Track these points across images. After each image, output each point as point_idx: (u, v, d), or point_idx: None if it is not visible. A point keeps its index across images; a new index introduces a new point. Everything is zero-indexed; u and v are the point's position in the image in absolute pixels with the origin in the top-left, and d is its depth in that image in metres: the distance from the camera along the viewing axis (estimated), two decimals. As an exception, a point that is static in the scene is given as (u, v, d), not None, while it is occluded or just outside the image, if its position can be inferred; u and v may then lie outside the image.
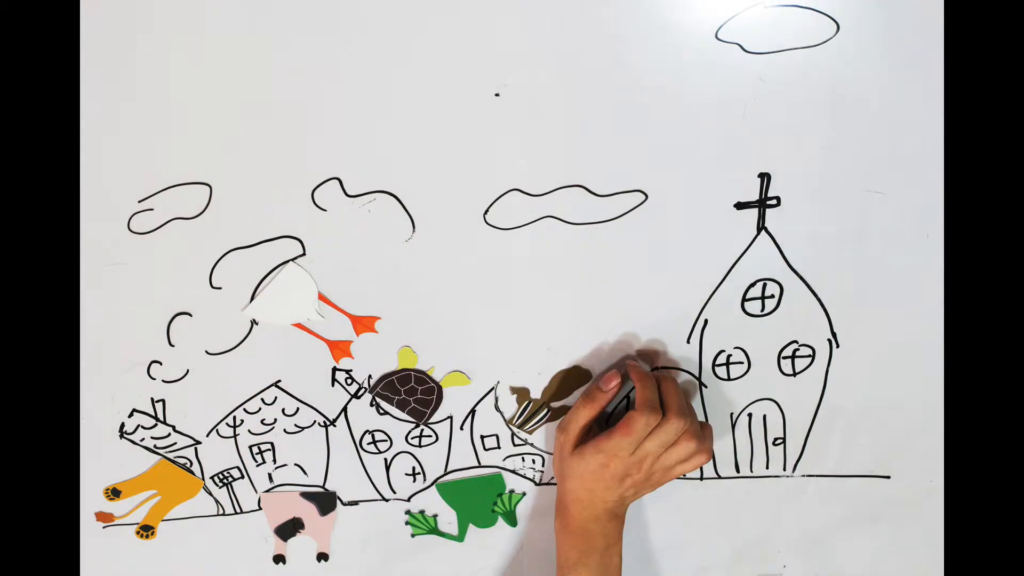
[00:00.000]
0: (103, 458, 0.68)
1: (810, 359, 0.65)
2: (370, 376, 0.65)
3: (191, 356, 0.63)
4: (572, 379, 0.66)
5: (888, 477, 0.71)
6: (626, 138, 0.55)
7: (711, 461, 0.70)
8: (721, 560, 0.76)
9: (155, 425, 0.67)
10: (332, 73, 0.53)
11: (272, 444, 0.69)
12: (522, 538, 0.74)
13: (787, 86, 0.53)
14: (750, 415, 0.68)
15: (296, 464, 0.70)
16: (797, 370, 0.66)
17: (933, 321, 0.62)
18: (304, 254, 0.59)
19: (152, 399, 0.65)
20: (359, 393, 0.66)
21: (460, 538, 0.74)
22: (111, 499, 0.70)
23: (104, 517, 0.71)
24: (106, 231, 0.57)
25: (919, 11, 0.51)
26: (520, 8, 0.51)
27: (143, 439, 0.67)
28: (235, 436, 0.68)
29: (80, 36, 0.49)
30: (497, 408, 0.67)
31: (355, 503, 0.72)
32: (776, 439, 0.69)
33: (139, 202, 0.57)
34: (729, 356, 0.65)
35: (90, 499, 0.70)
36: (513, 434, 0.68)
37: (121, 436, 0.67)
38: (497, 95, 0.53)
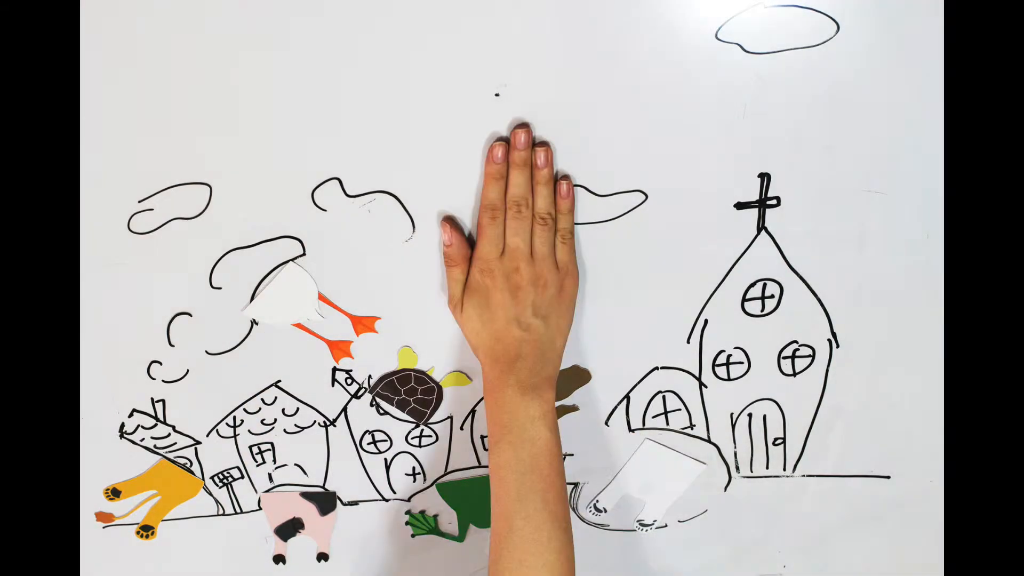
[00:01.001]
0: (103, 458, 0.68)
1: (810, 359, 0.65)
2: (370, 376, 0.65)
3: (191, 356, 0.63)
4: (572, 379, 0.66)
5: (888, 477, 0.71)
6: (626, 138, 0.55)
7: (714, 458, 0.70)
8: (721, 560, 0.76)
9: (155, 425, 0.67)
10: (332, 73, 0.53)
11: (272, 444, 0.69)
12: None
13: (787, 86, 0.53)
14: (750, 415, 0.68)
15: (296, 464, 0.70)
16: (797, 370, 0.66)
17: (933, 321, 0.62)
18: (304, 254, 0.59)
19: (152, 399, 0.65)
20: (359, 393, 0.66)
21: (460, 538, 0.74)
22: (111, 499, 0.70)
23: (104, 517, 0.71)
24: (106, 231, 0.57)
25: (919, 11, 0.51)
26: (520, 8, 0.51)
27: (143, 439, 0.67)
28: (235, 436, 0.68)
29: (80, 36, 0.49)
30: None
31: (355, 503, 0.72)
32: (776, 439, 0.69)
33: (139, 202, 0.57)
34: (729, 356, 0.65)
35: (90, 499, 0.70)
36: None
37: (121, 436, 0.67)
38: (497, 95, 0.54)
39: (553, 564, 0.55)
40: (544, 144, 0.56)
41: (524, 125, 0.55)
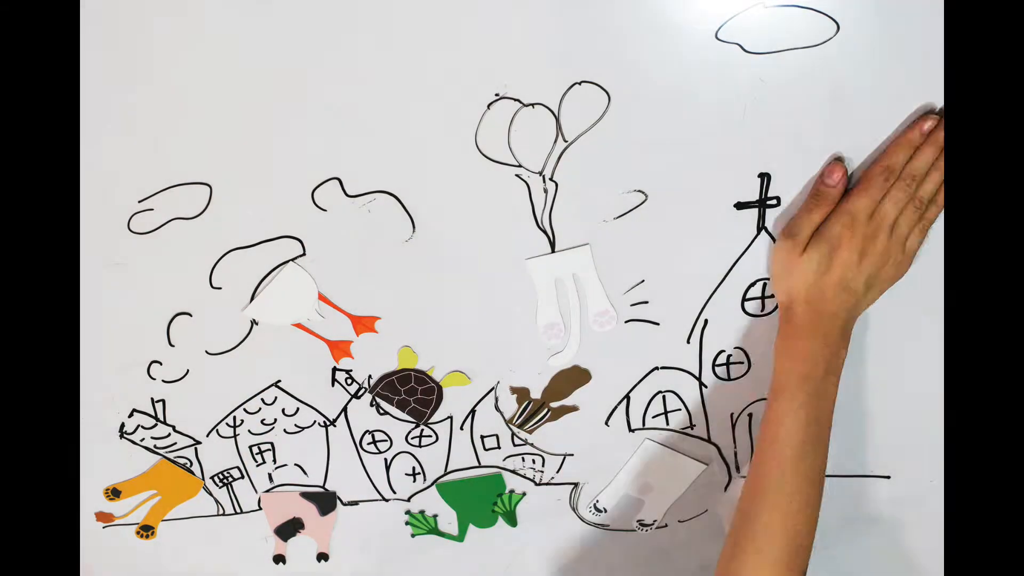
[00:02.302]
0: (103, 458, 0.68)
1: (810, 359, 0.65)
2: (370, 376, 0.65)
3: (191, 356, 0.63)
4: (572, 379, 0.66)
5: (888, 477, 0.71)
6: (626, 138, 0.55)
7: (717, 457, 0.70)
8: (721, 560, 0.76)
9: (155, 425, 0.67)
10: (332, 73, 0.53)
11: (272, 444, 0.69)
12: (522, 538, 0.74)
13: (787, 86, 0.53)
14: (750, 415, 0.68)
15: (296, 464, 0.70)
16: (797, 370, 0.66)
17: (933, 321, 0.62)
18: (304, 254, 0.59)
19: (152, 399, 0.65)
20: (359, 393, 0.66)
21: (460, 538, 0.74)
22: (111, 499, 0.70)
23: (104, 517, 0.71)
24: (106, 231, 0.57)
25: (919, 11, 0.51)
26: (520, 8, 0.51)
27: (143, 439, 0.67)
28: (235, 436, 0.68)
29: (80, 36, 0.49)
30: (497, 408, 0.67)
31: (355, 503, 0.72)
32: (776, 439, 0.69)
33: (139, 202, 0.57)
34: (729, 356, 0.65)
35: (90, 499, 0.70)
36: (513, 434, 0.68)
37: (121, 436, 0.67)
38: (497, 95, 0.53)
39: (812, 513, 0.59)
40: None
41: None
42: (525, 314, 0.62)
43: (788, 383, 0.59)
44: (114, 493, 0.70)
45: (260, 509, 0.72)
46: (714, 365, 0.66)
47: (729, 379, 0.66)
